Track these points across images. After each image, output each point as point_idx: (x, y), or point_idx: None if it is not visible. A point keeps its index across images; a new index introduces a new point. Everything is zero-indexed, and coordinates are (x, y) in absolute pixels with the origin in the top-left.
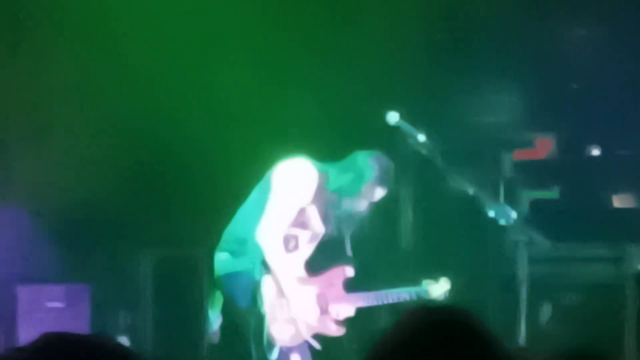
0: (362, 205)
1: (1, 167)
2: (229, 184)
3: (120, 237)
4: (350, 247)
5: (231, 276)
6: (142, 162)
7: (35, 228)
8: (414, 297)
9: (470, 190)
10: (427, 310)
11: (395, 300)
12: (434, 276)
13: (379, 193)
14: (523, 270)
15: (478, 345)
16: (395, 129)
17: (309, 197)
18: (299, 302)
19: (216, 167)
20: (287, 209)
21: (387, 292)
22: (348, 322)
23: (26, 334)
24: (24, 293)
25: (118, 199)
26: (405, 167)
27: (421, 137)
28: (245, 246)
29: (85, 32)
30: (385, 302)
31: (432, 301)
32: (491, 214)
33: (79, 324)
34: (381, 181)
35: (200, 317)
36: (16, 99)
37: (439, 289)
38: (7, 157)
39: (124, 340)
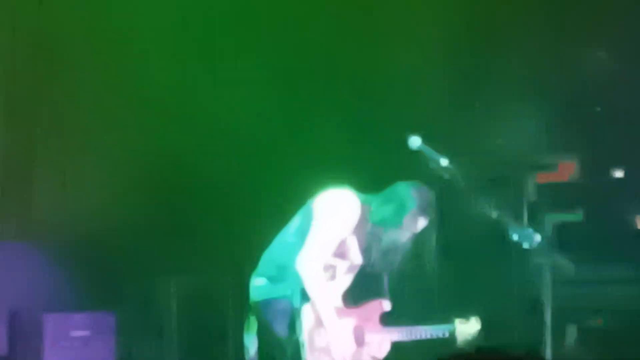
0: (404, 237)
1: (25, 196)
2: (255, 213)
3: (145, 264)
4: (388, 281)
5: (269, 302)
6: (167, 190)
7: (60, 256)
8: (446, 335)
9: (494, 214)
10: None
11: (428, 337)
12: (462, 312)
13: (421, 224)
14: (547, 293)
15: None
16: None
17: (351, 228)
18: (336, 333)
19: (243, 196)
20: (330, 238)
21: (421, 327)
22: None
23: None
24: (50, 322)
25: (143, 226)
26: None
27: (443, 162)
28: (284, 272)
29: (112, 54)
30: (419, 337)
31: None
32: (515, 237)
33: (104, 352)
34: (422, 211)
35: (226, 344)
36: (42, 127)
37: (469, 328)
38: (32, 185)
39: None
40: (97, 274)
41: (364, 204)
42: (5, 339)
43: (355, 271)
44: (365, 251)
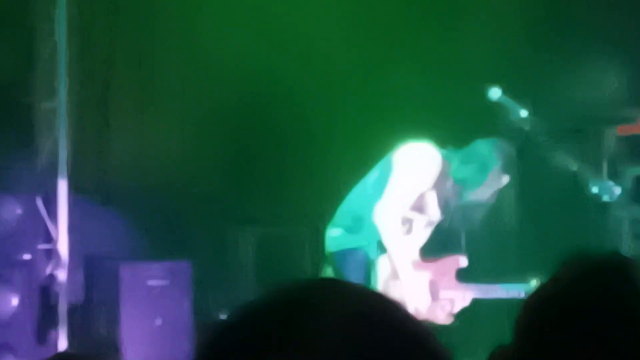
0: (487, 194)
1: (102, 145)
2: (332, 164)
3: (222, 214)
4: (465, 237)
5: (344, 253)
6: (245, 140)
7: (136, 205)
8: (522, 295)
9: (574, 167)
10: (585, 258)
11: (504, 296)
12: (540, 271)
13: (505, 180)
14: (627, 246)
15: (634, 295)
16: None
17: (431, 183)
18: (412, 287)
19: (320, 147)
20: (408, 191)
21: (498, 285)
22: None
23: (128, 312)
24: (126, 271)
25: (221, 176)
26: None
27: (523, 113)
28: (360, 223)
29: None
30: (494, 296)
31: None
32: (595, 190)
33: (180, 301)
34: (505, 168)
35: None
36: (118, 75)
37: None
38: (109, 134)
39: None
40: (174, 223)
41: (445, 159)
42: (82, 287)
43: (433, 226)
44: (445, 207)
